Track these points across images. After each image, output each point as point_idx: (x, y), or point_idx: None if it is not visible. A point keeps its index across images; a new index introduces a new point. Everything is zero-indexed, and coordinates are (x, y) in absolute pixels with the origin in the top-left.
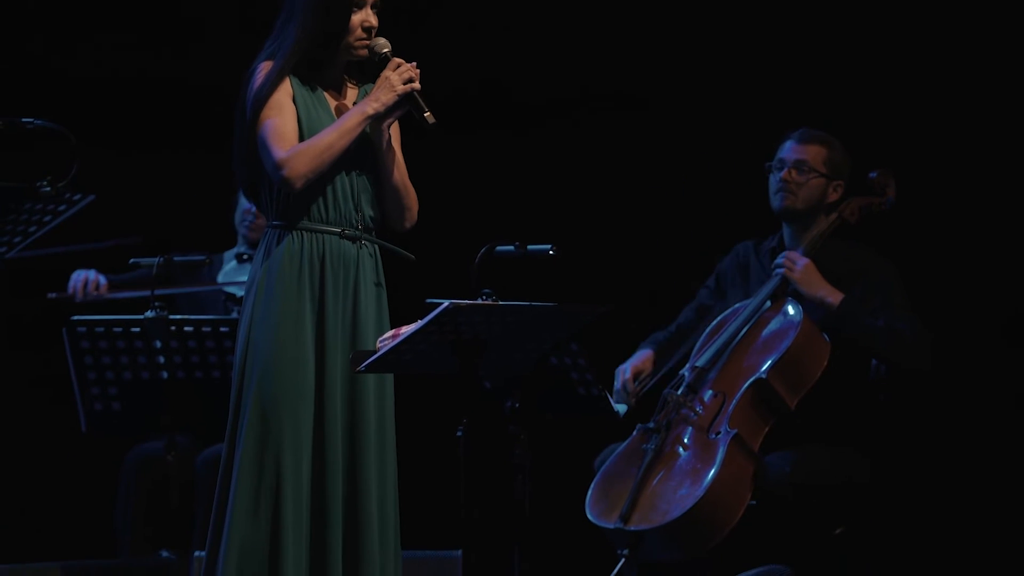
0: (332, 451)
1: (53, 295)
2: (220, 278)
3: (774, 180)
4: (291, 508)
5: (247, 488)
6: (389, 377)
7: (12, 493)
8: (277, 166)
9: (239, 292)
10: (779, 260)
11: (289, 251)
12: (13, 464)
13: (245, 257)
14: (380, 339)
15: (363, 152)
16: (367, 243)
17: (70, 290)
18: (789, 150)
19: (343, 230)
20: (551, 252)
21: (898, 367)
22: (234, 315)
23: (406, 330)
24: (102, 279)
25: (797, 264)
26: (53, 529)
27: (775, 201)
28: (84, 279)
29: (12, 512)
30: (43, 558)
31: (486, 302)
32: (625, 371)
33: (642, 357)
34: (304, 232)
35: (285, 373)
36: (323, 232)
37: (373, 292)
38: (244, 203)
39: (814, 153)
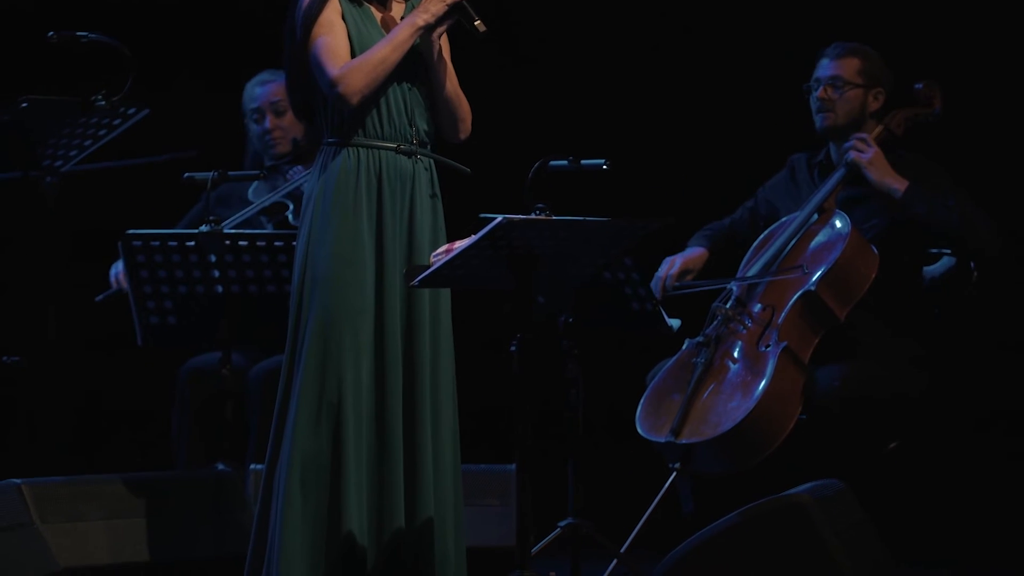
0: (392, 365)
1: (101, 297)
2: (251, 194)
3: (813, 100)
4: (352, 422)
5: (309, 403)
6: (445, 292)
7: (69, 406)
8: (332, 83)
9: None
10: (849, 144)
11: (345, 167)
12: (70, 377)
13: (271, 167)
14: (434, 254)
15: (415, 65)
16: (422, 157)
17: (115, 285)
18: (823, 68)
19: (398, 145)
20: (605, 167)
21: (968, 249)
22: (269, 228)
23: (460, 245)
24: None
25: (869, 148)
26: (110, 442)
27: (817, 121)
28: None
29: (69, 425)
30: (99, 470)
31: (539, 217)
32: (675, 263)
33: (695, 254)
34: (360, 148)
35: (344, 289)
36: (378, 147)
37: (429, 206)
38: (256, 127)
39: (847, 66)
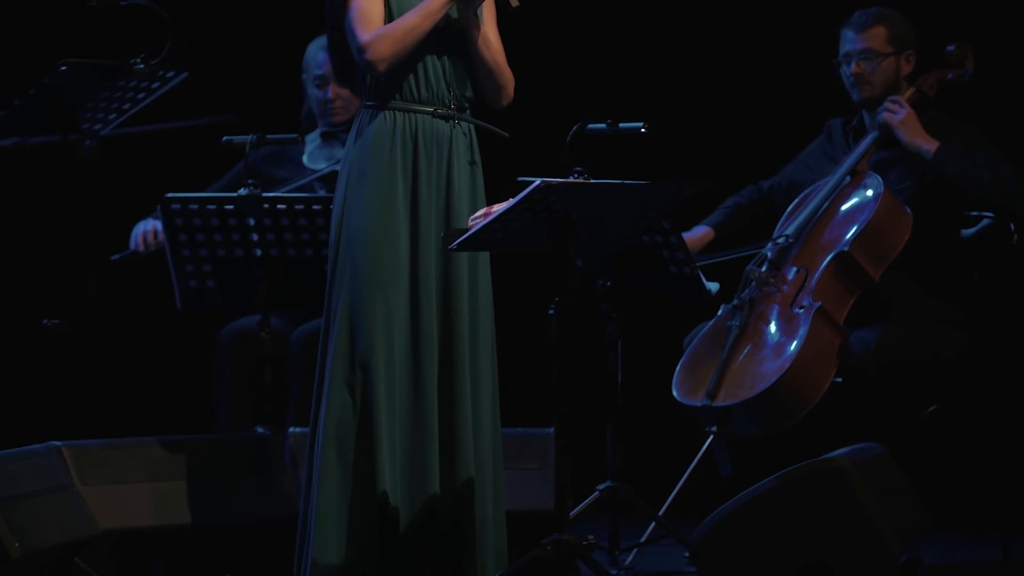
0: (427, 328)
1: (117, 256)
2: (306, 158)
3: (846, 74)
4: (383, 384)
5: (341, 366)
6: (484, 256)
7: (109, 369)
8: (361, 49)
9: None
10: (884, 106)
11: (380, 131)
12: (110, 340)
13: (328, 133)
14: (472, 217)
15: (454, 32)
16: (460, 122)
17: (133, 246)
18: (851, 41)
19: (435, 109)
20: (643, 130)
21: (1002, 207)
22: (321, 193)
23: (498, 208)
24: (159, 225)
25: (901, 109)
26: (150, 405)
27: (854, 94)
28: (143, 232)
29: (110, 388)
30: (140, 433)
31: (578, 180)
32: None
33: (698, 234)
34: (397, 112)
35: (377, 252)
36: (416, 111)
37: (467, 171)
38: (317, 92)
39: (875, 36)
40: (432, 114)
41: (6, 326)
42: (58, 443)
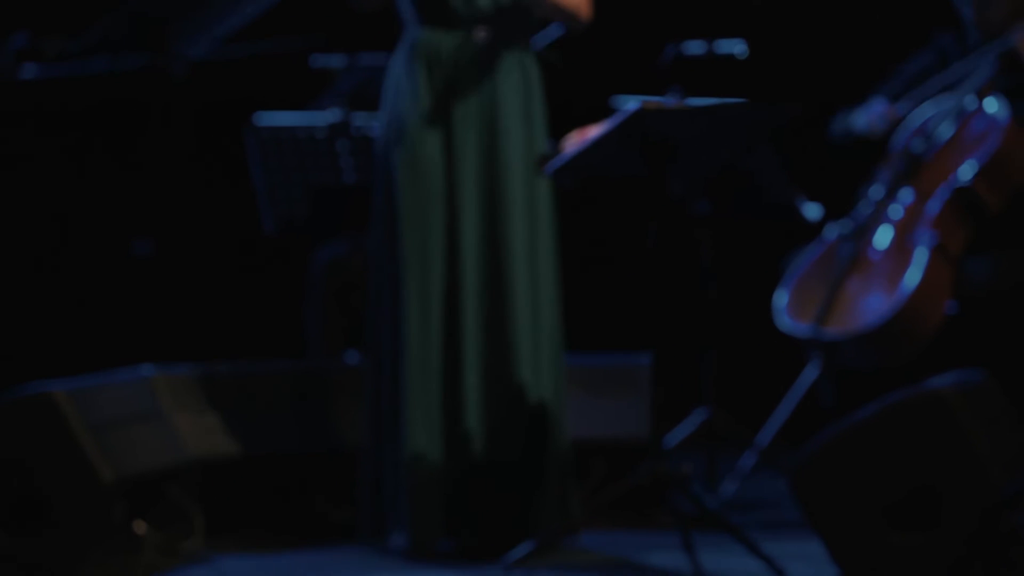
0: (467, 256)
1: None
2: None
3: (966, 15)
4: (415, 305)
5: (377, 285)
6: (542, 183)
7: (200, 294)
8: None
9: None
10: (1013, 33)
11: (416, 49)
12: (201, 265)
13: None
14: (566, 140)
15: None
16: (505, 40)
17: None
18: None
19: (477, 27)
20: (740, 52)
21: None
22: None
23: (593, 132)
24: None
25: None
26: (242, 330)
27: (972, 36)
28: None
29: (201, 313)
30: (230, 360)
31: (676, 103)
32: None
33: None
34: (438, 29)
35: (409, 172)
36: (457, 30)
37: (516, 90)
38: None
39: None
40: (473, 33)
41: (97, 248)
42: (149, 369)
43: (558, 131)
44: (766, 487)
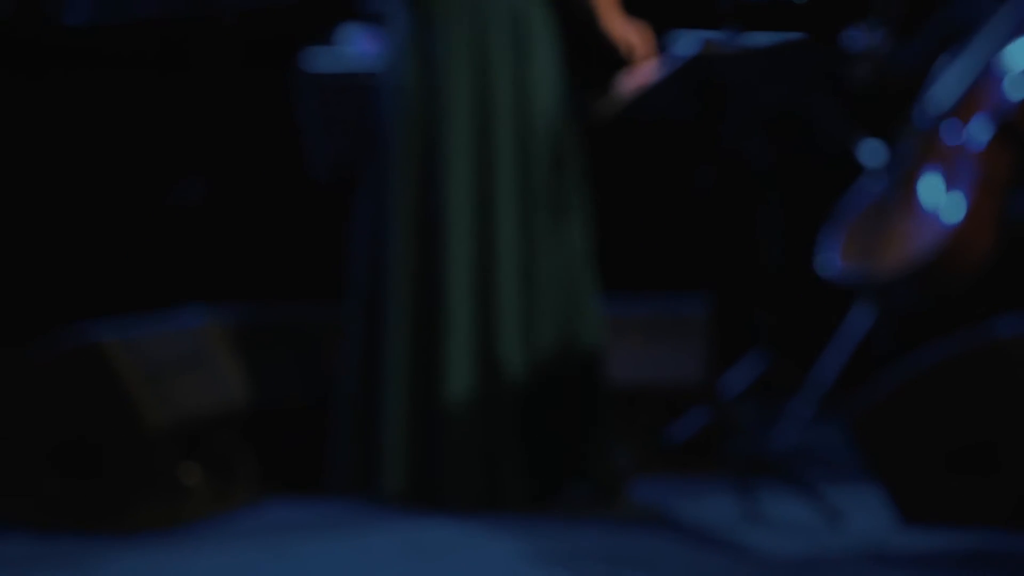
0: (502, 185)
1: None
2: None
3: None
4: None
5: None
6: (551, 122)
7: (249, 239)
8: None
9: None
10: None
11: None
12: (250, 210)
13: None
14: (618, 79)
15: None
16: None
17: None
18: None
19: None
20: None
21: None
22: None
23: (645, 71)
24: None
25: None
26: (290, 276)
27: None
28: None
29: (250, 258)
30: (284, 300)
31: (733, 43)
32: None
33: None
34: None
35: (401, 118)
36: None
37: (505, 30)
38: None
39: None
40: None
41: (146, 192)
42: (200, 315)
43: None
44: (820, 434)
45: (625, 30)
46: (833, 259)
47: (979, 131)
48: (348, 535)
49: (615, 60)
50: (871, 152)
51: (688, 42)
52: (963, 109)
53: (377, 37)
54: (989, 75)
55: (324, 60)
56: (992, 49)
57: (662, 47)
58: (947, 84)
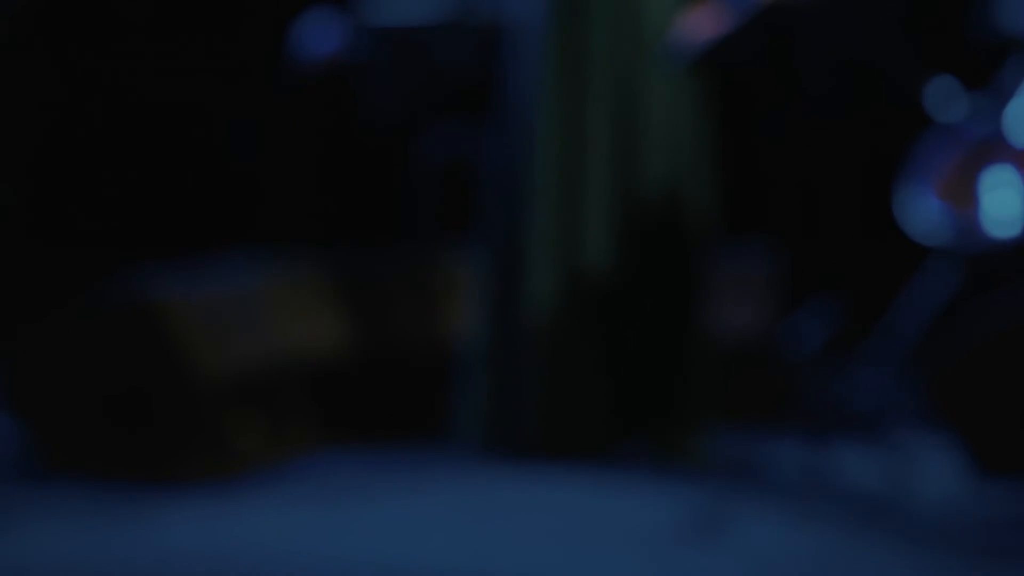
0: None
1: None
2: None
3: None
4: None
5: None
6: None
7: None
8: None
9: None
10: None
11: None
12: (308, 159)
13: None
14: (680, 23)
15: None
16: None
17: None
18: None
19: None
20: None
21: None
22: None
23: (704, 12)
24: None
25: None
26: (352, 230)
27: None
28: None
29: (309, 208)
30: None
31: None
32: None
33: None
34: None
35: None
36: None
37: None
38: None
39: None
40: None
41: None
42: (258, 267)
43: None
44: (896, 387)
45: None
46: (927, 197)
47: None
48: (400, 491)
49: None
50: (949, 97)
51: None
52: None
53: None
54: None
55: (386, 13)
56: None
57: None
58: None
